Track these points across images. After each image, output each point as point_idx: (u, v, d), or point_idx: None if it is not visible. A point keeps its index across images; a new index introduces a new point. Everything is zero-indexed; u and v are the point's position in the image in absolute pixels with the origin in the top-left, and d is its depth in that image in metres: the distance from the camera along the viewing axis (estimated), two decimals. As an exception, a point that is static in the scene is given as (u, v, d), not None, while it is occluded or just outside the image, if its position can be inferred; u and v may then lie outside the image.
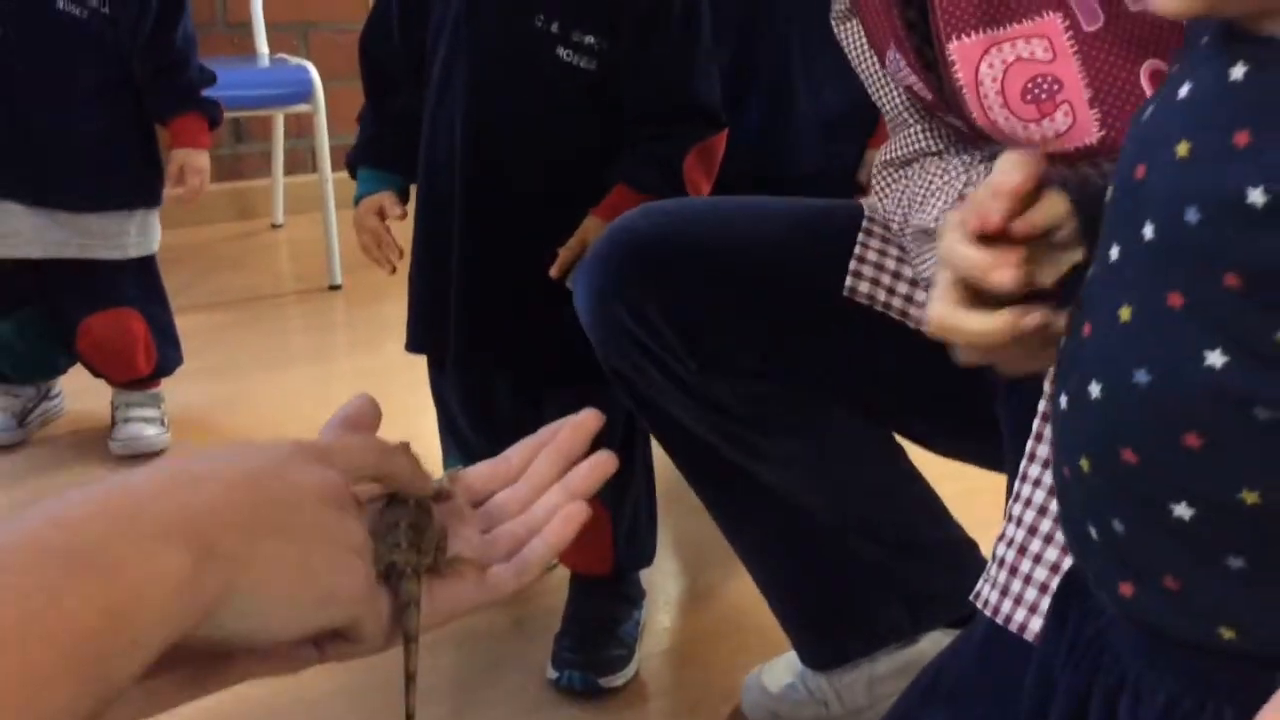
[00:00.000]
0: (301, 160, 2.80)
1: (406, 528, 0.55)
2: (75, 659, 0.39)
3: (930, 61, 0.85)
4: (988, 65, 0.80)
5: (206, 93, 1.67)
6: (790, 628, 1.17)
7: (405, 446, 0.58)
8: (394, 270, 1.31)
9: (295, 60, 2.45)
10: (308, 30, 2.77)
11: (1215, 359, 0.47)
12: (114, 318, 1.66)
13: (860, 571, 1.13)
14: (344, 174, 2.54)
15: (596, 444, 0.71)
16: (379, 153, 1.31)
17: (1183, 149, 0.48)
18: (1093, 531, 0.53)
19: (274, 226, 2.80)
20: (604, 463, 0.66)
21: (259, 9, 2.58)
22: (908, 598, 1.16)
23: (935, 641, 1.16)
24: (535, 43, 1.15)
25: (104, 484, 0.45)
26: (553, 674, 1.21)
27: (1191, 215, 0.48)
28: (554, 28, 1.15)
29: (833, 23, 1.02)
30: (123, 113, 1.61)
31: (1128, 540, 0.52)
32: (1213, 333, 0.47)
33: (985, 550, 1.14)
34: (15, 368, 1.71)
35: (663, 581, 1.37)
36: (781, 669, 1.17)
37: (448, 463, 1.35)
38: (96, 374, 1.72)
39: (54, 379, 1.78)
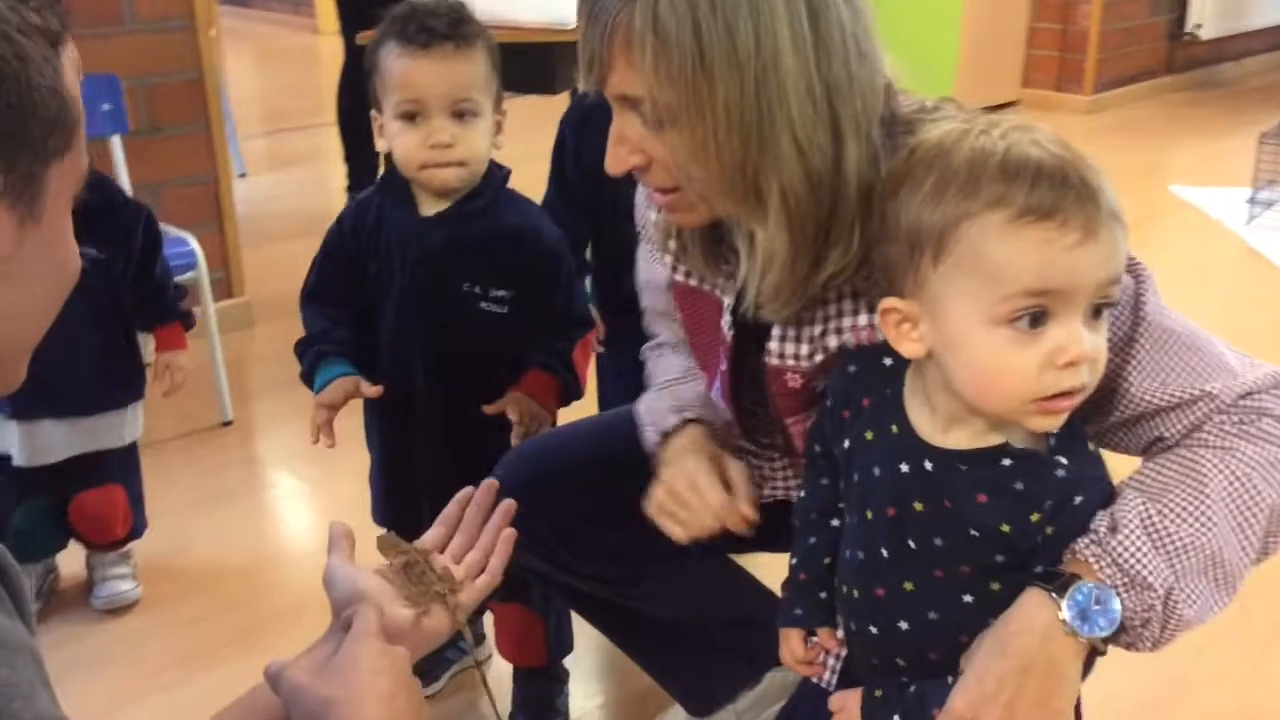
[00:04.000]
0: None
1: (435, 578, 1.04)
2: None
3: (740, 395, 1.29)
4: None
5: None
6: (674, 693, 1.68)
7: (390, 537, 1.06)
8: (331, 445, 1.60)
9: (174, 231, 2.82)
10: (159, 189, 3.12)
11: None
12: (102, 493, 2.03)
13: (713, 646, 1.62)
14: (224, 304, 2.85)
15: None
16: (341, 353, 1.63)
17: (919, 506, 1.02)
18: (854, 625, 1.08)
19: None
20: (510, 507, 1.12)
21: (124, 174, 2.91)
22: (749, 655, 1.70)
23: (772, 678, 1.69)
24: (466, 300, 1.61)
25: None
26: (515, 740, 1.72)
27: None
28: (476, 289, 1.61)
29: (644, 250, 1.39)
30: (114, 331, 1.99)
31: (879, 635, 1.07)
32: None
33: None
34: (31, 551, 2.03)
35: (577, 662, 1.84)
36: (675, 715, 1.71)
37: None
38: (79, 539, 2.08)
39: (55, 555, 2.11)
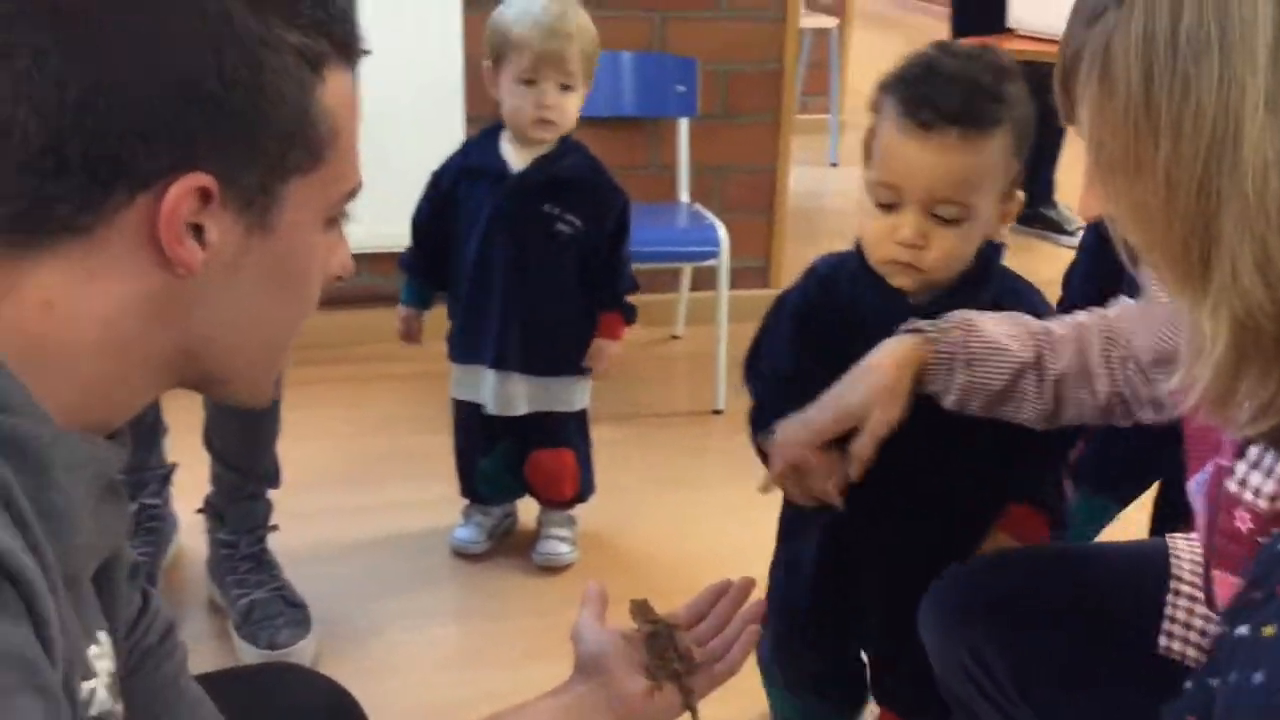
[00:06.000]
0: (704, 278, 3.18)
1: (675, 655, 1.02)
2: None
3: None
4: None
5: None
6: None
7: (642, 603, 1.05)
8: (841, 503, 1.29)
9: (709, 217, 2.90)
10: (722, 173, 3.21)
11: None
12: (555, 454, 2.16)
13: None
14: (739, 293, 2.86)
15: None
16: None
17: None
18: None
19: (674, 337, 3.25)
20: (760, 606, 1.09)
21: (685, 156, 3.05)
22: None
23: None
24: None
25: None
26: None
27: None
28: None
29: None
30: (585, 300, 2.09)
31: None
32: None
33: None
34: (492, 493, 2.24)
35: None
36: None
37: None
38: (532, 494, 2.23)
39: (515, 501, 2.29)
